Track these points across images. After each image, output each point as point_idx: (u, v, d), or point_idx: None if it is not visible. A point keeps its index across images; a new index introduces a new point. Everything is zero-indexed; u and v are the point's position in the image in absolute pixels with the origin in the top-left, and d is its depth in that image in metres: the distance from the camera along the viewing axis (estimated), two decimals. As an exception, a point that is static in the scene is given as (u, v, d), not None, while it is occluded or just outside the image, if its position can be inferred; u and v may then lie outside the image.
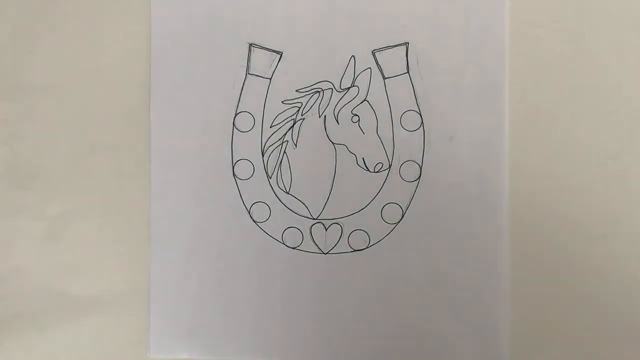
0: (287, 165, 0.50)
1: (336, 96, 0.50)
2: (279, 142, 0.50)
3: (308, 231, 0.50)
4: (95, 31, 0.51)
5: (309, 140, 0.50)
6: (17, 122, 0.52)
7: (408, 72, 0.49)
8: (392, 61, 0.49)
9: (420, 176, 0.49)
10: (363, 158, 0.49)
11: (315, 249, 0.50)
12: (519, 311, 0.48)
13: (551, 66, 0.49)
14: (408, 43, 0.49)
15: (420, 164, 0.49)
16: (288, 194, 0.50)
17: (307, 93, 0.50)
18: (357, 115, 0.49)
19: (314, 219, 0.50)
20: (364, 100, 0.49)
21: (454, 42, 0.49)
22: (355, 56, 0.49)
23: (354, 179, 0.49)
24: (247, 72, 0.50)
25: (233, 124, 0.50)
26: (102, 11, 0.51)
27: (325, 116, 0.50)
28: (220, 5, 0.50)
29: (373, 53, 0.49)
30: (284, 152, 0.50)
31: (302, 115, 0.50)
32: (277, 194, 0.50)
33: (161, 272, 0.50)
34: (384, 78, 0.49)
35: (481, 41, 0.48)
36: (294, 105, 0.50)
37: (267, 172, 0.50)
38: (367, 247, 0.49)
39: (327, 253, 0.49)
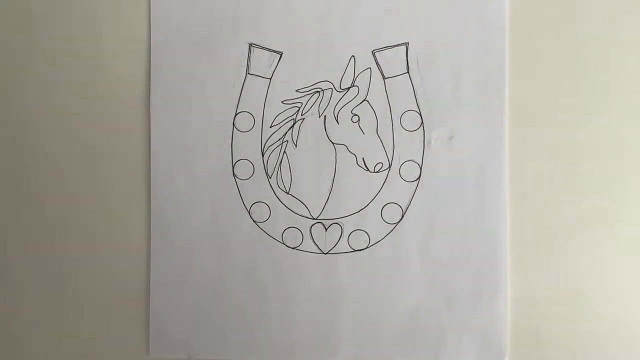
0: (287, 165, 0.50)
1: (336, 96, 0.49)
2: (279, 142, 0.50)
3: (308, 231, 0.50)
4: (95, 31, 0.51)
5: (309, 140, 0.50)
6: (17, 122, 0.52)
7: (408, 72, 0.49)
8: (392, 61, 0.49)
9: (420, 176, 0.49)
10: (363, 158, 0.49)
11: (315, 249, 0.49)
12: (519, 311, 0.48)
13: (551, 66, 0.49)
14: (408, 43, 0.49)
15: (420, 164, 0.49)
16: (288, 194, 0.50)
17: (307, 93, 0.50)
18: (357, 115, 0.49)
19: (314, 219, 0.50)
20: (364, 100, 0.49)
21: (454, 42, 0.49)
22: (355, 56, 0.49)
23: (354, 179, 0.49)
24: (247, 72, 0.50)
25: (233, 124, 0.50)
26: (102, 11, 0.51)
27: (325, 116, 0.50)
28: (220, 5, 0.50)
29: (373, 53, 0.49)
30: (284, 152, 0.50)
31: (302, 115, 0.50)
32: (277, 194, 0.50)
33: (161, 272, 0.50)
34: (384, 78, 0.49)
35: (481, 41, 0.48)
36: (294, 105, 0.50)
37: (267, 172, 0.50)
38: (367, 247, 0.49)
39: (327, 253, 0.49)
